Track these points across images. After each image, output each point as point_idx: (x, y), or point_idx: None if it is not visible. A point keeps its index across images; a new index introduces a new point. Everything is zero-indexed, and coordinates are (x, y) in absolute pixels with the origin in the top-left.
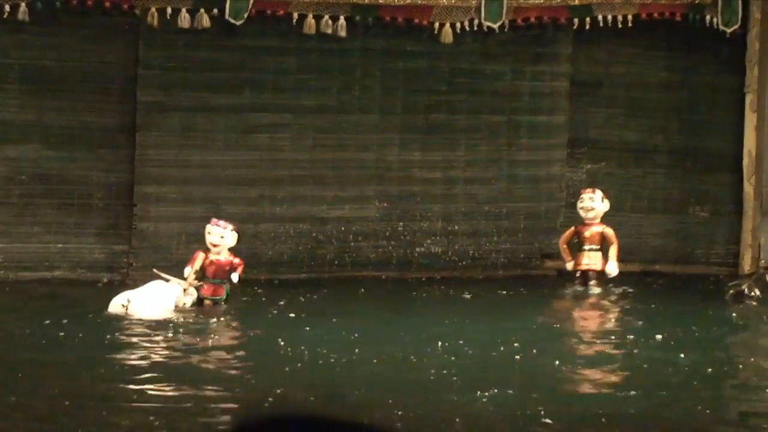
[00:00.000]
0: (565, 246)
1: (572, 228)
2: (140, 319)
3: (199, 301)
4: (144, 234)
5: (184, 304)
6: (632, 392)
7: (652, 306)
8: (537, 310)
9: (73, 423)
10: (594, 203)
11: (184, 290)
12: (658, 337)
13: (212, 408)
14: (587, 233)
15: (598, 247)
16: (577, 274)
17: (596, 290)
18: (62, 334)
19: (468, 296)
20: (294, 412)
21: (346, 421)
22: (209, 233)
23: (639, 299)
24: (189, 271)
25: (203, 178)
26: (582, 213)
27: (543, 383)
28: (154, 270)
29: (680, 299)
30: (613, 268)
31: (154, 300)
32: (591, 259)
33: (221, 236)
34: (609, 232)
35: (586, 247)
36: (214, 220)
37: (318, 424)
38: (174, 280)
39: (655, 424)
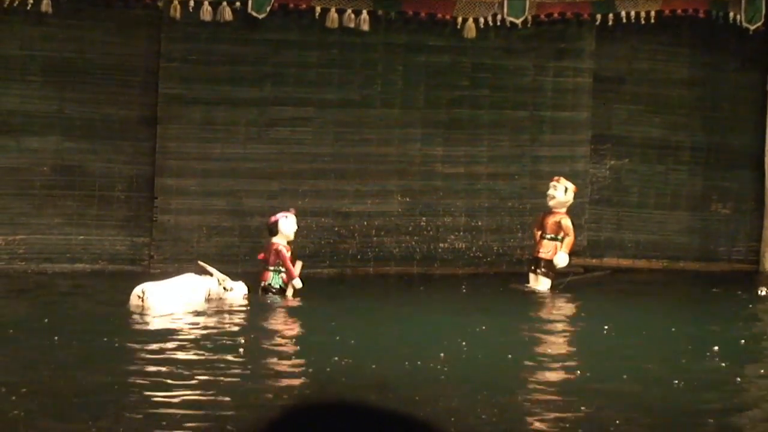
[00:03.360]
0: (534, 230)
1: (541, 214)
2: (156, 311)
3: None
4: (165, 226)
5: (224, 298)
6: None
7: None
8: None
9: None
10: (556, 192)
11: (225, 288)
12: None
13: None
14: (547, 221)
15: (555, 236)
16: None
17: (536, 287)
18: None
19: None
20: (334, 399)
21: (384, 410)
22: None
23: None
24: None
25: (224, 171)
26: (547, 200)
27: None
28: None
29: None
30: (560, 259)
31: (171, 292)
32: (545, 248)
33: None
34: (565, 223)
35: (546, 235)
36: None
37: (357, 411)
38: (217, 274)
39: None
